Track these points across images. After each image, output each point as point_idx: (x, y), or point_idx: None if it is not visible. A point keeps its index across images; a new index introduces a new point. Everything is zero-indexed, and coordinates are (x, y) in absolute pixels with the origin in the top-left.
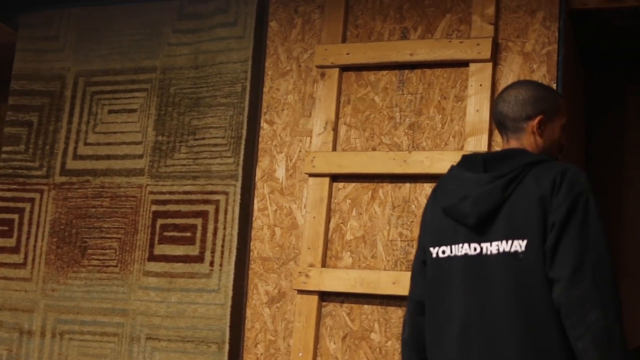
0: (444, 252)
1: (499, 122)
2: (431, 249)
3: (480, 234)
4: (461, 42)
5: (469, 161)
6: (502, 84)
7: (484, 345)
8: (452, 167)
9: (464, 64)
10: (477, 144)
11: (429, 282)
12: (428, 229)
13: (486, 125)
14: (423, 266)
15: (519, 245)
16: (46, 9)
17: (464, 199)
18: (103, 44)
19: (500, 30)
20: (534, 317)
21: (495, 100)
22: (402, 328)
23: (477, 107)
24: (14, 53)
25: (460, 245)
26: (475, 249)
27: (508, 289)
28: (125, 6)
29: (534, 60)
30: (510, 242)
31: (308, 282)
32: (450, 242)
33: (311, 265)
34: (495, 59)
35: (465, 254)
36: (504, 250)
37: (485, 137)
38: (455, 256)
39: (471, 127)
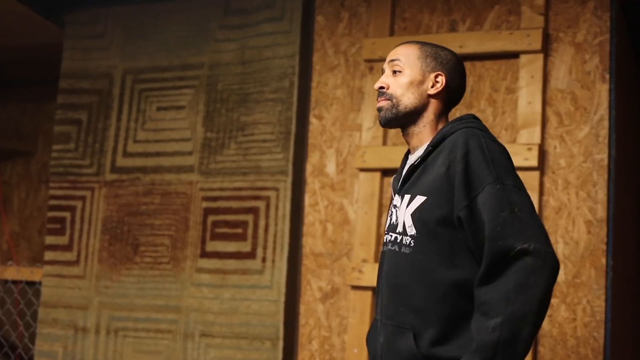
0: None
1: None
2: None
3: None
4: (511, 33)
5: None
6: (553, 75)
7: None
8: None
9: (515, 55)
10: (530, 136)
11: None
12: None
13: (539, 117)
14: None
15: None
16: (92, 6)
17: None
18: (149, 41)
19: (550, 21)
20: None
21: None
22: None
23: (529, 99)
24: (61, 51)
25: None
26: None
27: None
28: (171, 3)
29: (585, 51)
30: None
31: (361, 277)
32: None
33: (364, 261)
34: (546, 50)
35: None
36: None
37: (538, 129)
38: None
39: (523, 119)
